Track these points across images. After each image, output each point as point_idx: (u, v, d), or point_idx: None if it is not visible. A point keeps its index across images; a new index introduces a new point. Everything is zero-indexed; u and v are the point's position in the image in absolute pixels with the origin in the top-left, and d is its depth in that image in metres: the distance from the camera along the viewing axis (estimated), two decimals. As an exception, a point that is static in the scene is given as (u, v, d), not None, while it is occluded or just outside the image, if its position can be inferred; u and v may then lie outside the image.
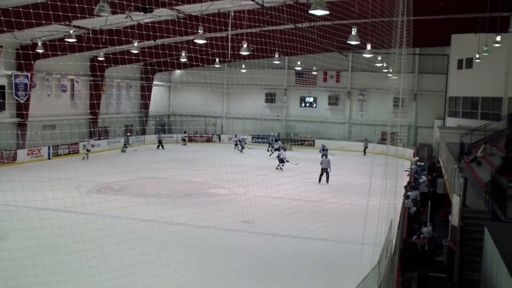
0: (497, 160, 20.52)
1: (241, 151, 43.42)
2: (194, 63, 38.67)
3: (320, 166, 28.62)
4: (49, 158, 35.87)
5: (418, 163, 31.96)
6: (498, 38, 24.97)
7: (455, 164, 18.99)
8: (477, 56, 28.57)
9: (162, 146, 45.96)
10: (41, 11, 18.53)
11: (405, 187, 22.79)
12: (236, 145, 45.10)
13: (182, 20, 26.87)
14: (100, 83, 42.44)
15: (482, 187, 17.33)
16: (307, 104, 52.45)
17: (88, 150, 37.29)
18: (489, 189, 15.69)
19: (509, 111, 29.80)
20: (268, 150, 43.19)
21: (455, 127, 34.97)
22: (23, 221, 13.26)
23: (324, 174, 28.30)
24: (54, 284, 10.90)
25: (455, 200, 15.42)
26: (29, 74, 34.31)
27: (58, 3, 18.63)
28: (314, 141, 48.98)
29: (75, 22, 26.55)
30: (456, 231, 14.60)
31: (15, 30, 25.33)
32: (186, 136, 49.74)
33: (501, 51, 28.71)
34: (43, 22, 20.57)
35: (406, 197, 20.40)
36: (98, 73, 41.71)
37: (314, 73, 48.92)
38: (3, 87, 33.79)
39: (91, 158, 37.16)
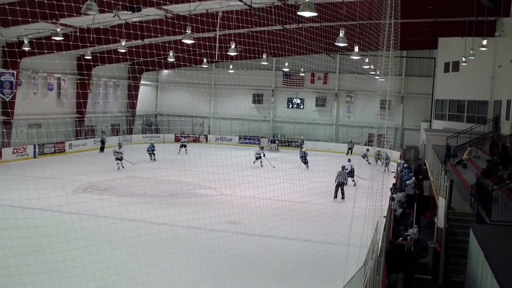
0: (482, 163, 20.66)
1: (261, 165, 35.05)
2: (182, 63, 38.58)
3: (335, 180, 25.20)
4: (34, 157, 35.60)
5: (405, 165, 32.13)
6: (485, 42, 25.17)
7: (441, 166, 19.11)
8: (464, 59, 28.74)
9: (103, 149, 42.04)
10: (28, 9, 18.39)
11: (391, 189, 22.88)
12: (258, 158, 35.79)
13: (170, 20, 26.78)
14: (87, 82, 42.17)
15: (467, 189, 17.44)
16: (295, 105, 52.49)
17: (118, 159, 31.92)
18: (475, 191, 15.80)
19: (495, 115, 30.03)
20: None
21: (441, 129, 35.16)
22: (7, 220, 13.14)
23: (340, 189, 25.05)
24: (38, 284, 10.82)
25: (441, 202, 15.52)
26: (15, 72, 34.05)
27: (45, 1, 18.48)
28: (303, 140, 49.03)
29: (62, 20, 26.40)
30: (442, 233, 14.69)
31: (1, 28, 25.18)
32: (185, 141, 43.14)
33: (487, 55, 28.97)
34: (30, 19, 20.45)
35: (391, 199, 20.48)
36: (85, 72, 41.48)
37: (302, 74, 49.00)
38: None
39: (78, 156, 36.99)
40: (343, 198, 24.76)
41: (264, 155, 35.53)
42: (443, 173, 17.23)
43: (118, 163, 31.62)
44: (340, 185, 25.00)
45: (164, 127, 52.51)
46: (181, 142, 42.70)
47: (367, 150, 40.63)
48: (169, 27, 25.11)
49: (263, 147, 38.45)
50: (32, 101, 36.69)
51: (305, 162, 34.83)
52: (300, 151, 36.67)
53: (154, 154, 36.62)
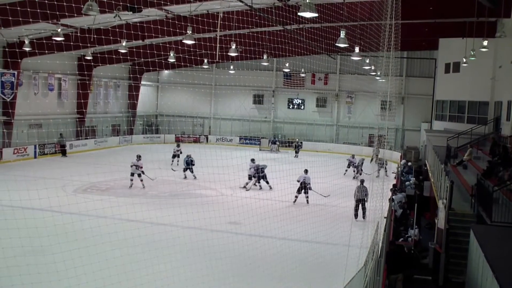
0: (483, 164, 20.67)
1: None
2: (182, 63, 38.57)
3: (354, 197, 21.45)
4: (35, 157, 35.61)
5: (409, 163, 32.04)
6: (485, 43, 25.17)
7: (441, 167, 19.10)
8: (464, 60, 28.77)
9: (65, 153, 38.25)
10: (28, 9, 18.37)
11: (391, 190, 22.88)
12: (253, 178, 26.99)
13: (170, 20, 26.79)
14: (87, 82, 42.18)
15: (468, 190, 17.45)
16: (295, 106, 52.51)
17: (135, 174, 26.23)
18: (475, 192, 15.80)
19: (495, 115, 30.02)
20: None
21: (441, 130, 35.19)
22: (7, 221, 13.13)
23: (360, 206, 21.19)
24: (38, 285, 10.80)
25: (441, 203, 15.51)
26: (15, 72, 34.04)
27: (46, 1, 18.48)
28: (301, 142, 49.02)
29: (63, 21, 26.43)
30: (442, 234, 14.68)
31: (2, 28, 25.14)
32: (179, 150, 34.43)
33: (488, 55, 28.96)
34: (30, 20, 20.48)
35: (391, 200, 20.48)
36: (86, 72, 41.46)
37: (303, 75, 49.02)
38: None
39: (78, 156, 37.00)
40: (364, 217, 20.78)
41: (260, 176, 26.85)
42: (443, 174, 17.23)
43: (132, 180, 25.97)
44: (361, 201, 21.12)
45: (165, 127, 52.62)
46: (174, 152, 34.39)
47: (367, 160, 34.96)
48: (170, 28, 25.12)
49: (260, 169, 27.09)
50: (32, 102, 36.70)
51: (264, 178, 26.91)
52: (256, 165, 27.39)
53: (192, 170, 29.26)
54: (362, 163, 31.39)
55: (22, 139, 35.46)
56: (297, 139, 46.38)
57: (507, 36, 24.75)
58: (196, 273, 13.02)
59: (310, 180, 23.38)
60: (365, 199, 20.96)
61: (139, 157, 26.71)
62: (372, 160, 34.39)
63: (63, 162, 33.15)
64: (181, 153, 33.65)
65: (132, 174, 25.94)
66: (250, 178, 26.73)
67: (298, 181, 23.42)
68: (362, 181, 22.07)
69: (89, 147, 41.59)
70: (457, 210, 15.60)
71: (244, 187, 26.33)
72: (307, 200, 23.35)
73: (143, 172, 26.13)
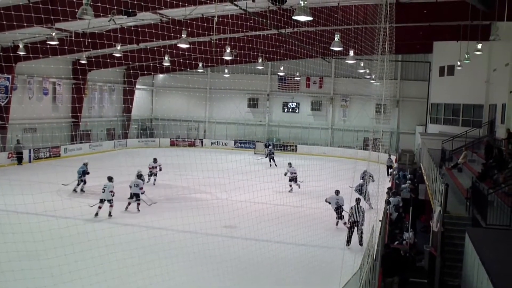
0: (477, 167, 20.70)
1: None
2: (177, 67, 38.56)
3: (349, 218, 17.91)
4: (29, 162, 35.46)
5: (407, 173, 31.97)
6: (479, 46, 25.24)
7: (436, 170, 19.13)
8: (459, 63, 28.83)
9: (21, 161, 34.94)
10: (23, 13, 18.37)
11: (387, 193, 22.90)
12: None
13: (165, 24, 26.82)
14: (82, 86, 42.12)
15: (463, 193, 17.47)
16: (290, 110, 52.52)
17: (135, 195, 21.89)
18: (470, 195, 15.82)
19: (490, 118, 30.11)
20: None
21: (436, 133, 35.26)
22: (2, 225, 13.09)
23: (355, 229, 17.58)
24: (33, 289, 10.78)
25: (436, 206, 15.53)
26: (10, 77, 33.95)
27: (40, 5, 18.50)
28: (296, 146, 49.09)
29: (57, 25, 26.33)
30: (437, 237, 14.70)
31: (-4, 32, 25.09)
32: (157, 167, 28.94)
33: (482, 58, 29.05)
34: (25, 24, 20.38)
35: (387, 202, 20.51)
36: (80, 76, 41.40)
37: (297, 78, 49.10)
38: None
39: (73, 161, 36.88)
40: (361, 243, 17.24)
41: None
42: (438, 177, 17.25)
43: (129, 203, 21.98)
44: (356, 224, 17.59)
45: (160, 131, 52.61)
46: (150, 169, 28.72)
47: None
48: (165, 32, 25.16)
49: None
50: (27, 106, 36.67)
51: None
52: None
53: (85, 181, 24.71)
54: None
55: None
56: (270, 146, 41.94)
57: (501, 39, 24.84)
58: (191, 277, 13.01)
59: (344, 202, 19.66)
60: (362, 222, 17.62)
61: (139, 175, 23.71)
62: (388, 172, 33.49)
63: (59, 166, 33.00)
64: (160, 170, 28.88)
65: (137, 197, 21.87)
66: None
67: (329, 202, 20.26)
68: (358, 200, 18.46)
69: (84, 151, 41.46)
70: (452, 213, 15.62)
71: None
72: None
73: (143, 192, 22.09)
